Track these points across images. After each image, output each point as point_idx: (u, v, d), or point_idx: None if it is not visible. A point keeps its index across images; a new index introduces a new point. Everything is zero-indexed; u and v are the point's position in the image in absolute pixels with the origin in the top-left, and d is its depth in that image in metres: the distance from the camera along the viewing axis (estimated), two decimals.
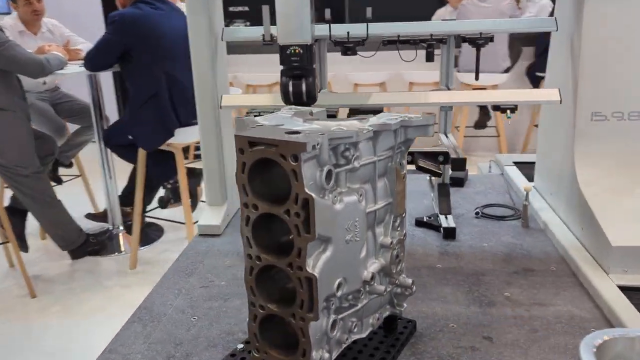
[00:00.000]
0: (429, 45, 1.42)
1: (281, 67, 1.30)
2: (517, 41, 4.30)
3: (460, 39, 1.44)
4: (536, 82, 4.61)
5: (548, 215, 1.57)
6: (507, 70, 4.46)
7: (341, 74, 5.02)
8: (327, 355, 0.86)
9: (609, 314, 1.11)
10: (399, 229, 0.98)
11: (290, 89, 1.27)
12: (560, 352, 1.01)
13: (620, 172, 1.38)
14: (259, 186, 0.82)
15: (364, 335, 0.96)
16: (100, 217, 3.72)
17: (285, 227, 0.81)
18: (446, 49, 1.52)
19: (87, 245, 3.36)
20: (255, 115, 1.32)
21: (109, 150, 3.34)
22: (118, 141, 3.06)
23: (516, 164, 2.11)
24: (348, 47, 1.43)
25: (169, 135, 2.71)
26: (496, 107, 1.43)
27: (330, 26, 1.41)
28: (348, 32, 1.43)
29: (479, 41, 1.40)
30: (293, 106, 1.03)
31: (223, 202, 1.67)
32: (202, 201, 3.04)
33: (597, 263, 1.26)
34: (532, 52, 4.56)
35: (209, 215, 1.61)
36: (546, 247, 1.44)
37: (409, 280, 1.01)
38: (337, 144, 0.82)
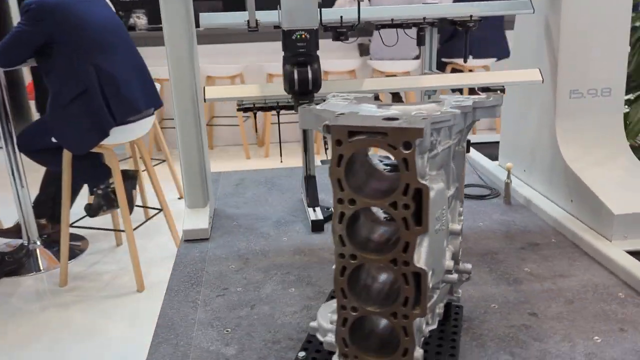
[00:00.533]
0: (420, 29, 1.41)
1: (284, 54, 1.23)
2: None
3: (448, 23, 1.44)
4: (442, 67, 4.84)
5: (528, 192, 1.64)
6: (417, 57, 4.64)
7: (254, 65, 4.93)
8: (421, 351, 0.82)
9: (626, 278, 1.18)
10: (461, 214, 0.96)
11: (296, 76, 1.20)
12: (604, 320, 1.06)
13: (600, 144, 1.48)
14: (353, 179, 0.76)
15: (434, 326, 0.94)
16: (13, 232, 3.28)
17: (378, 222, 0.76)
18: (429, 33, 1.52)
19: (3, 265, 2.97)
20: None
21: (18, 156, 2.95)
22: (36, 146, 2.68)
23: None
24: (341, 32, 1.38)
25: (103, 135, 2.43)
26: (485, 89, 1.47)
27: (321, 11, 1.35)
28: (341, 17, 1.37)
29: (469, 24, 1.42)
30: (339, 93, 0.96)
31: (205, 203, 1.55)
32: (137, 206, 2.82)
33: (596, 232, 1.34)
34: (437, 39, 4.75)
35: (193, 218, 1.48)
36: (537, 222, 1.51)
37: (469, 266, 0.99)
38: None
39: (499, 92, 1.45)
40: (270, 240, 1.45)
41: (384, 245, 0.80)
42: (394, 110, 0.82)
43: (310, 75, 1.20)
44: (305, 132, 1.58)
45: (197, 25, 1.43)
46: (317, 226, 1.48)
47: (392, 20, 1.39)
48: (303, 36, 1.18)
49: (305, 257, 1.35)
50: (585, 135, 1.48)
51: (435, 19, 1.43)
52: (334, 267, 0.83)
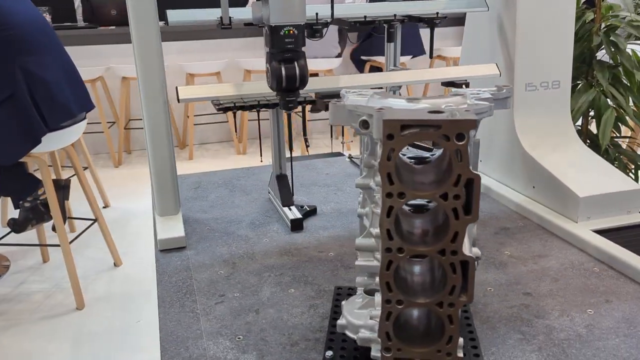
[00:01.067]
0: (390, 26, 1.44)
1: (268, 50, 1.21)
2: (344, 28, 4.55)
3: (417, 19, 1.48)
4: (361, 65, 4.95)
5: (485, 180, 1.72)
6: (338, 55, 4.70)
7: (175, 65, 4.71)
8: (461, 338, 0.84)
9: (597, 255, 1.28)
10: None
11: (284, 73, 1.18)
12: (592, 292, 1.15)
13: (553, 133, 1.60)
14: (401, 173, 0.76)
15: None
16: None
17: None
18: (395, 30, 1.55)
19: None
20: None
21: None
22: None
23: None
24: (317, 29, 1.37)
25: (35, 142, 2.20)
26: (450, 84, 1.53)
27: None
28: (317, 13, 1.37)
29: (436, 20, 1.47)
30: (357, 90, 0.96)
31: (177, 210, 1.48)
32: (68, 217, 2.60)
33: (562, 215, 1.44)
34: (355, 37, 4.87)
35: (167, 227, 1.41)
36: (499, 207, 1.60)
37: (479, 251, 1.03)
38: None
39: (463, 86, 1.52)
40: (252, 242, 1.41)
41: (423, 237, 0.81)
42: (424, 104, 0.84)
43: (297, 72, 1.19)
44: (277, 130, 1.55)
45: (166, 22, 1.36)
46: (296, 225, 1.47)
47: (364, 17, 1.41)
48: (291, 32, 1.15)
49: (293, 257, 1.33)
50: (540, 125, 1.59)
51: (404, 16, 1.47)
52: (357, 262, 0.83)
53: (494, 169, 1.73)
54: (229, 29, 1.32)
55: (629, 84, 1.90)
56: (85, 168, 3.44)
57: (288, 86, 1.19)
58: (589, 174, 1.47)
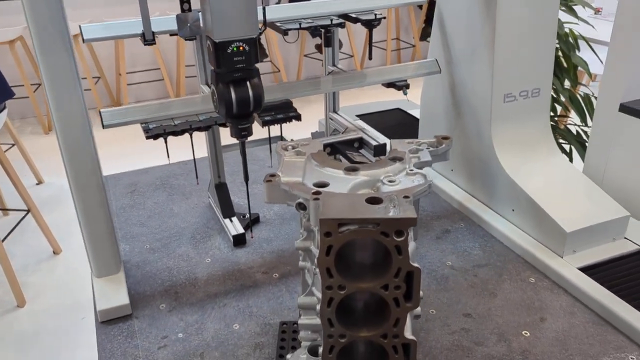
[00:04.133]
0: (327, 31, 1.37)
1: (213, 70, 1.01)
2: None
3: (354, 21, 1.41)
4: None
5: (448, 185, 1.64)
6: (278, 2, 4.49)
7: None
8: None
9: (589, 302, 1.20)
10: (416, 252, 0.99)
11: (234, 97, 0.98)
12: (526, 310, 1.19)
13: (533, 146, 1.48)
14: (342, 265, 0.74)
15: None
16: None
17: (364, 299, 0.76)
18: (332, 35, 1.48)
19: None
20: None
21: None
22: None
23: (360, 116, 2.23)
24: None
25: None
26: (391, 85, 1.48)
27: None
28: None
29: (374, 22, 1.40)
30: (288, 144, 0.91)
31: (118, 268, 1.29)
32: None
33: (544, 245, 1.34)
34: None
35: (108, 292, 1.23)
36: (441, 203, 1.61)
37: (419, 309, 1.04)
38: None
39: (404, 88, 1.48)
40: (193, 264, 1.38)
41: (371, 317, 0.80)
42: (363, 176, 0.80)
43: (251, 94, 0.99)
44: (212, 137, 1.48)
45: None
46: (239, 241, 1.44)
47: (299, 24, 1.32)
48: (241, 48, 0.96)
49: (237, 281, 1.31)
50: (519, 139, 1.47)
51: (339, 15, 1.39)
52: (300, 320, 0.82)
53: (462, 180, 1.62)
54: None
55: (565, 65, 1.91)
56: (13, 145, 3.22)
57: (240, 112, 1.01)
58: (572, 199, 1.38)
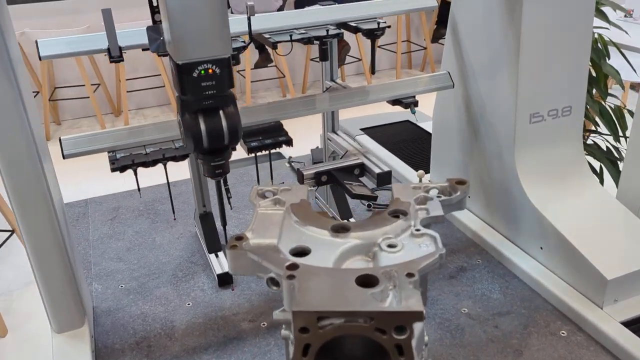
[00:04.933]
0: (323, 43, 1.19)
1: (179, 97, 0.83)
2: None
3: (354, 30, 1.23)
4: None
5: (462, 213, 1.43)
6: (280, 8, 4.30)
7: None
8: None
9: (623, 356, 1.02)
10: None
11: (204, 129, 0.80)
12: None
13: (564, 172, 1.28)
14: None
15: None
16: None
17: None
18: (328, 47, 1.30)
19: None
20: None
21: None
22: None
23: (365, 130, 2.05)
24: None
25: None
26: (397, 102, 1.30)
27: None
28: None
29: (376, 32, 1.22)
30: (266, 189, 0.74)
31: (82, 321, 1.10)
32: None
33: (581, 293, 1.15)
34: None
35: (68, 353, 1.04)
36: (455, 233, 1.43)
37: None
38: None
39: (412, 106, 1.29)
40: (171, 309, 1.21)
41: None
42: (354, 240, 0.62)
43: (225, 125, 0.81)
44: (195, 162, 1.31)
45: None
46: (224, 280, 1.26)
47: (290, 37, 1.14)
48: (210, 71, 0.78)
49: (219, 331, 1.14)
50: (548, 166, 1.27)
51: (338, 25, 1.21)
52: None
53: (486, 210, 1.41)
54: None
55: (594, 75, 1.71)
56: None
57: (212, 146, 0.82)
58: (612, 237, 1.18)
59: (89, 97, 3.99)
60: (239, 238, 0.62)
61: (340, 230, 0.64)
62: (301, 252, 0.61)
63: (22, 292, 2.59)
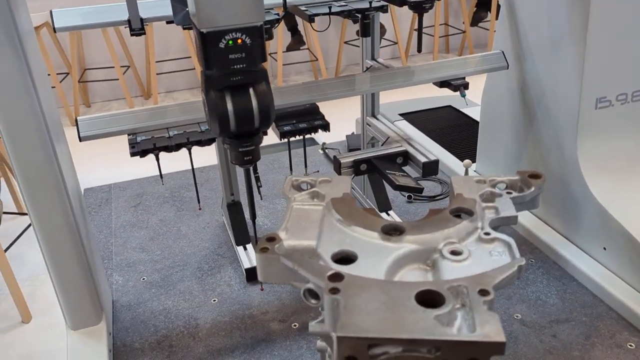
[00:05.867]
0: (365, 17, 1.07)
1: (203, 72, 0.73)
2: None
3: (399, 3, 1.11)
4: None
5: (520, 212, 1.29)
6: None
7: None
8: None
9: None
10: None
11: (231, 110, 0.70)
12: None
13: (634, 166, 1.14)
14: None
15: None
16: None
17: None
18: (371, 21, 1.18)
19: None
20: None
21: None
22: None
23: (404, 115, 1.92)
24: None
25: None
26: (444, 84, 1.18)
27: None
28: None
29: (425, 5, 1.09)
30: (302, 180, 0.63)
31: (99, 318, 1.02)
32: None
33: None
34: None
35: (83, 352, 0.97)
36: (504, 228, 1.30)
37: None
38: None
39: (462, 88, 1.17)
40: (196, 305, 1.12)
41: None
42: (410, 242, 0.51)
43: (256, 106, 0.71)
44: (222, 148, 1.22)
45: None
46: (252, 275, 1.17)
47: (329, 9, 1.03)
48: (239, 42, 0.68)
49: (247, 332, 1.04)
50: (614, 157, 1.14)
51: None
52: None
53: (542, 204, 1.22)
54: None
55: None
56: None
57: (240, 129, 0.72)
58: None
59: (118, 79, 3.95)
60: (271, 239, 0.52)
61: (392, 232, 0.53)
62: (345, 258, 0.51)
63: (47, 278, 2.57)
